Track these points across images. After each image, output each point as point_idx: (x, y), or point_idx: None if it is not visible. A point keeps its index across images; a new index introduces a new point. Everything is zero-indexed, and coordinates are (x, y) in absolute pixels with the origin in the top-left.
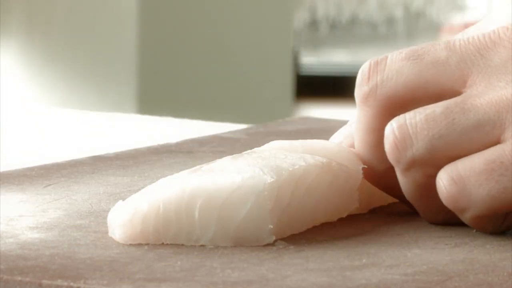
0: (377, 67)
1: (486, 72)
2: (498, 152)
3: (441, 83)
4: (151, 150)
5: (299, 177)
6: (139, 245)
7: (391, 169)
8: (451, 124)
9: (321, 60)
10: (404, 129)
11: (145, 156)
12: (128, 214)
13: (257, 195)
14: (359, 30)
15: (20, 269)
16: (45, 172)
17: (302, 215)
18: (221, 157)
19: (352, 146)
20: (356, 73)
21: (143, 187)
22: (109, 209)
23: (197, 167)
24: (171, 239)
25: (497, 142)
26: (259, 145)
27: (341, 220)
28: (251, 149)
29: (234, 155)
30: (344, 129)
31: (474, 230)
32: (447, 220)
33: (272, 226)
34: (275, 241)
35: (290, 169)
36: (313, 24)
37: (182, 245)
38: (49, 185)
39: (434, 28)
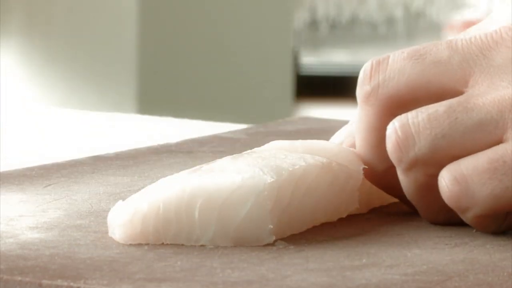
0: (379, 67)
1: (488, 72)
2: (501, 151)
3: (443, 82)
4: (151, 150)
5: (299, 177)
6: (139, 245)
7: (392, 168)
8: (454, 124)
9: (321, 60)
10: (407, 129)
11: (145, 156)
12: (128, 214)
13: (257, 195)
14: (359, 30)
15: (20, 269)
16: (45, 172)
17: (302, 215)
18: (221, 157)
19: (353, 145)
20: (356, 73)
21: (143, 187)
22: (109, 209)
23: (197, 167)
24: (171, 239)
25: (499, 141)
26: (259, 145)
27: (341, 220)
28: (251, 149)
29: (234, 155)
30: (345, 128)
31: (474, 230)
32: (447, 220)
33: (272, 226)
34: (275, 241)
35: (290, 169)
36: (313, 24)
37: (182, 245)
38: (49, 185)
39: (434, 28)
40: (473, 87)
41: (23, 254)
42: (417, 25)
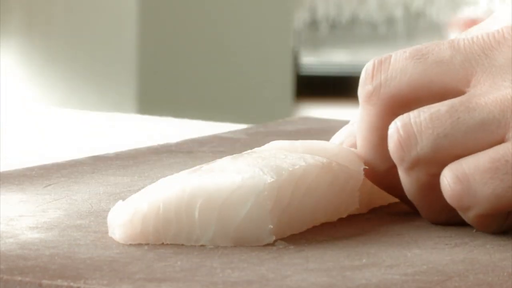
0: (381, 66)
1: (490, 71)
2: (503, 150)
3: (445, 82)
4: (151, 150)
5: (299, 177)
6: (139, 245)
7: (393, 168)
8: (456, 123)
9: (321, 60)
10: (409, 128)
11: (145, 156)
12: (128, 214)
13: (257, 195)
14: (359, 30)
15: (20, 269)
16: (45, 172)
17: (302, 215)
18: (221, 157)
19: (354, 145)
20: (356, 73)
21: (143, 187)
22: (109, 209)
23: (197, 167)
24: (171, 239)
25: (501, 141)
26: (259, 145)
27: (341, 220)
28: (251, 149)
29: (234, 155)
30: (346, 128)
31: (474, 230)
32: (448, 220)
33: (272, 226)
34: (275, 241)
35: (290, 169)
36: (313, 24)
37: (182, 245)
38: (49, 185)
39: (434, 28)
40: (475, 86)
41: (23, 254)
42: (417, 25)
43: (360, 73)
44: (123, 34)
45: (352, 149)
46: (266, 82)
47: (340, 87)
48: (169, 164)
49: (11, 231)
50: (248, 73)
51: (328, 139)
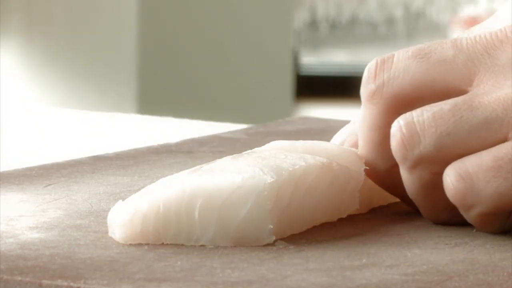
0: (384, 65)
1: (493, 71)
2: (505, 149)
3: (448, 81)
4: (151, 150)
5: (299, 177)
6: (139, 245)
7: (395, 168)
8: (459, 122)
9: (321, 60)
10: (412, 127)
11: (145, 156)
12: (128, 214)
13: (257, 195)
14: (359, 30)
15: (20, 269)
16: (45, 172)
17: (302, 215)
18: (221, 157)
19: (356, 144)
20: (356, 73)
21: (143, 187)
22: (109, 209)
23: (197, 167)
24: (171, 239)
25: (504, 139)
26: (259, 145)
27: (341, 220)
28: (251, 149)
29: (234, 155)
30: (347, 127)
31: (474, 230)
32: (450, 219)
33: (272, 226)
34: (275, 241)
35: (290, 169)
36: (313, 24)
37: (182, 245)
38: (49, 185)
39: (434, 28)
40: (478, 86)
41: (23, 254)
42: (417, 25)
43: (360, 73)
44: (123, 34)
45: (353, 149)
46: (266, 82)
47: (340, 87)
48: (169, 164)
49: (11, 231)
50: (248, 73)
51: (328, 139)
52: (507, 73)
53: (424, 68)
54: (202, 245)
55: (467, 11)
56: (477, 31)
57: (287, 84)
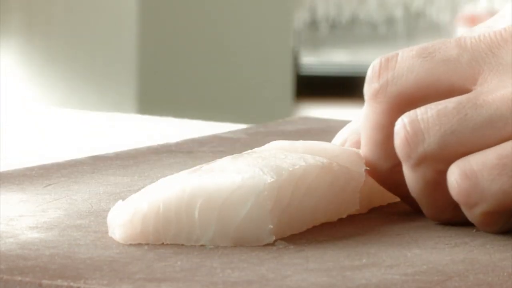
0: (388, 64)
1: (497, 70)
2: (510, 147)
3: (452, 81)
4: (151, 150)
5: (299, 177)
6: (139, 245)
7: (397, 167)
8: (463, 120)
9: (321, 60)
10: (416, 124)
11: (145, 156)
12: (128, 214)
13: (257, 195)
14: (359, 30)
15: (20, 269)
16: (45, 172)
17: (302, 215)
18: (221, 157)
19: (358, 142)
20: (356, 73)
21: (143, 187)
22: (109, 209)
23: (197, 167)
24: (171, 239)
25: (509, 138)
26: (259, 145)
27: (341, 220)
28: (251, 149)
29: (234, 155)
30: (349, 126)
31: (474, 230)
32: (451, 218)
33: (272, 226)
34: (275, 241)
35: (290, 169)
36: (313, 24)
37: (182, 245)
38: (49, 185)
39: (434, 28)
40: (482, 85)
41: (23, 254)
42: (417, 25)
43: (360, 72)
44: (123, 34)
45: (354, 149)
46: (266, 82)
47: (340, 87)
48: (169, 164)
49: (11, 231)
50: (248, 73)
51: (328, 139)
52: (511, 72)
53: (428, 67)
54: (202, 245)
55: (469, 9)
56: (481, 29)
57: (287, 84)
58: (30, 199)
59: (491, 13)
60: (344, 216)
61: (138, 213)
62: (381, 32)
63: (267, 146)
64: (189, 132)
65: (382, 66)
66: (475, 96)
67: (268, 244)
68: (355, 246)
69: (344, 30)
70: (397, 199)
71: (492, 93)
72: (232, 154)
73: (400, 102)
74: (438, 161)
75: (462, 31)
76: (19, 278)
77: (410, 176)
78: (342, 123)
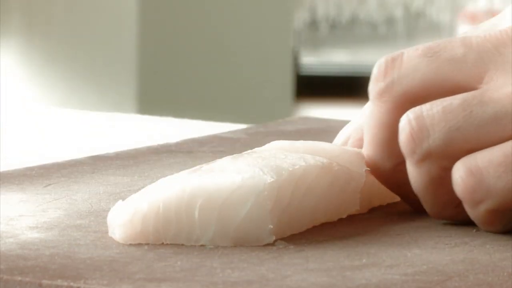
0: (394, 63)
1: (503, 68)
2: None
3: (457, 80)
4: (151, 150)
5: (299, 177)
6: (139, 245)
7: (400, 166)
8: (469, 117)
9: (321, 60)
10: (421, 120)
11: (145, 156)
12: (128, 214)
13: (257, 195)
14: (359, 30)
15: (20, 269)
16: (45, 172)
17: (302, 215)
18: (221, 157)
19: (361, 138)
20: (356, 73)
21: (143, 187)
22: (109, 209)
23: (197, 167)
24: (171, 239)
25: None
26: (259, 145)
27: (341, 220)
28: (251, 149)
29: (234, 155)
30: (351, 124)
31: (474, 230)
32: (453, 216)
33: (272, 226)
34: (275, 241)
35: (290, 169)
36: (313, 24)
37: (182, 245)
38: (49, 185)
39: (434, 28)
40: (488, 83)
41: (23, 254)
42: (417, 25)
43: (360, 73)
44: (123, 34)
45: (356, 149)
46: (266, 82)
47: (340, 87)
48: (169, 164)
49: (11, 231)
50: (248, 73)
51: (328, 139)
52: None
53: (434, 67)
54: (202, 245)
55: (471, 7)
56: (485, 28)
57: (287, 84)
58: (30, 199)
59: (491, 11)
60: (344, 216)
61: (138, 213)
62: (381, 32)
63: (267, 146)
64: (189, 132)
65: (387, 65)
66: (480, 93)
67: (268, 244)
68: (355, 246)
69: (344, 30)
70: (397, 199)
71: (498, 91)
72: (232, 154)
73: (405, 101)
74: (442, 158)
75: (464, 29)
76: (19, 278)
77: (414, 173)
78: (342, 123)
